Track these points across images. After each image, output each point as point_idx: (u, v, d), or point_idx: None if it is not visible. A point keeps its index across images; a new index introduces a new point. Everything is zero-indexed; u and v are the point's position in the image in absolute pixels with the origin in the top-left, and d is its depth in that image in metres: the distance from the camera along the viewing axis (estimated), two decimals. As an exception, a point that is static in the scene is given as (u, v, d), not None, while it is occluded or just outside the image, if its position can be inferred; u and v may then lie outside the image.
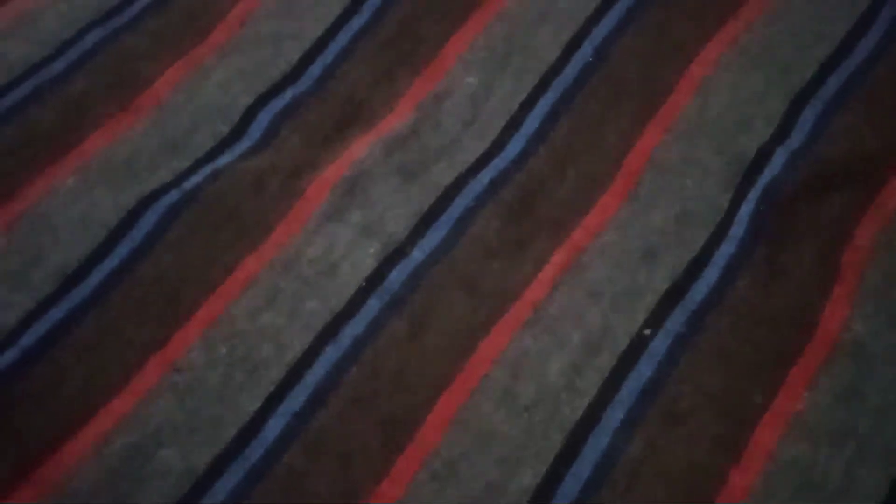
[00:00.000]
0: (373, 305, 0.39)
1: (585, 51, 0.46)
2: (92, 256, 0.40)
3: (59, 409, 0.36)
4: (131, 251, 0.40)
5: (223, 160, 0.43)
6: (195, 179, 0.42)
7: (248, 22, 0.47)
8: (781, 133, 0.43)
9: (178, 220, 0.41)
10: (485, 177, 0.42)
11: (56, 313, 0.39)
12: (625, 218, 0.41)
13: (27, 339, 0.38)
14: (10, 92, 0.45)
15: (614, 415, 0.36)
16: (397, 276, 0.39)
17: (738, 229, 0.40)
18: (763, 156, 0.42)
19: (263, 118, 0.44)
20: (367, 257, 0.40)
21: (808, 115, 0.44)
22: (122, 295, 0.39)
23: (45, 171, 0.43)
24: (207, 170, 0.42)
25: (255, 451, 0.36)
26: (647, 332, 0.38)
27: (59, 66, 0.46)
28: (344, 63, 0.46)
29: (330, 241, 0.40)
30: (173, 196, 0.41)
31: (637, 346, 0.38)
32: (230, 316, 0.39)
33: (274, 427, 0.36)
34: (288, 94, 0.45)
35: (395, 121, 0.44)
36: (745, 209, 0.41)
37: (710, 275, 0.39)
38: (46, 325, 0.38)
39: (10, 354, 0.37)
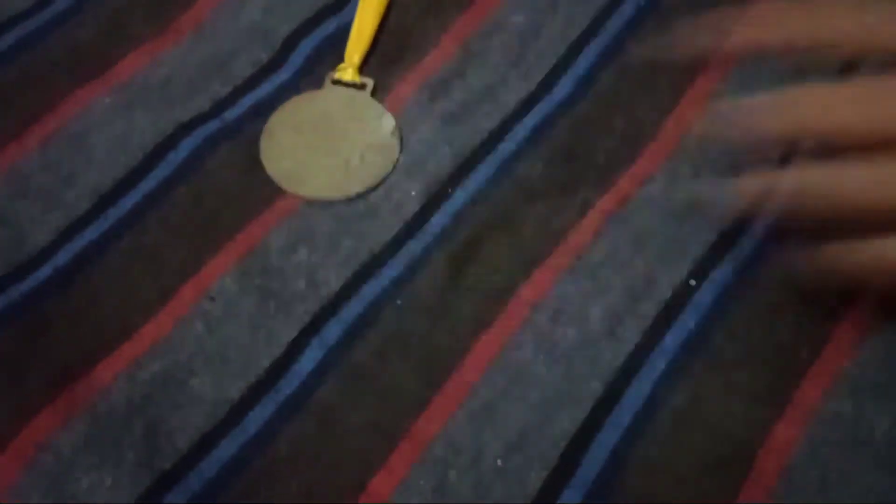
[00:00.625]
0: (413, 246, 0.38)
1: (639, -3, 0.45)
2: (128, 178, 0.39)
3: (91, 330, 0.36)
4: (168, 176, 0.39)
5: (263, 90, 0.42)
6: (235, 111, 0.41)
7: (293, -52, 0.46)
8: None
9: (217, 151, 0.40)
10: (530, 120, 0.41)
11: (90, 233, 0.38)
12: (673, 168, 0.40)
13: (61, 258, 0.37)
14: (49, 5, 0.44)
15: (656, 364, 0.35)
16: (439, 218, 0.39)
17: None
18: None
19: (305, 47, 0.43)
20: (409, 199, 0.39)
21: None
22: (158, 218, 0.39)
23: (83, 87, 0.42)
24: (248, 101, 0.41)
25: (289, 383, 0.35)
26: (693, 282, 0.37)
27: (98, -19, 0.45)
28: (389, -6, 0.45)
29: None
30: (213, 126, 0.40)
31: (682, 296, 0.37)
32: (265, 247, 0.38)
33: (309, 360, 0.36)
34: (332, 24, 0.44)
35: (440, 58, 0.43)
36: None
37: (760, 228, 0.39)
38: (80, 245, 0.38)
39: (44, 272, 0.37)
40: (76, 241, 0.38)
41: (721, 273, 0.37)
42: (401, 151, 0.41)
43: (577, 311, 0.37)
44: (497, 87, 0.42)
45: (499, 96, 0.42)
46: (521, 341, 0.36)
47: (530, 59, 0.43)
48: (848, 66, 0.38)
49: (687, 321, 0.36)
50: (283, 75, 0.43)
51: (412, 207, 0.39)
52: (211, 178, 0.40)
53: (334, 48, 0.43)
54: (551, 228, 0.39)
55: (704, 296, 0.37)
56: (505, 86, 0.42)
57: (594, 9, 0.44)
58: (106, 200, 0.39)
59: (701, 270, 0.37)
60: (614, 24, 0.44)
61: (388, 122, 0.41)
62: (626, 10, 0.44)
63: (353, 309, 0.37)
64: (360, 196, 0.40)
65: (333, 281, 0.37)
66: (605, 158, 0.40)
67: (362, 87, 0.42)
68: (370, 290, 0.37)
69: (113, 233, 0.38)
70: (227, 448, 0.34)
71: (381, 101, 0.42)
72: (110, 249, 0.38)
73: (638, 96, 0.42)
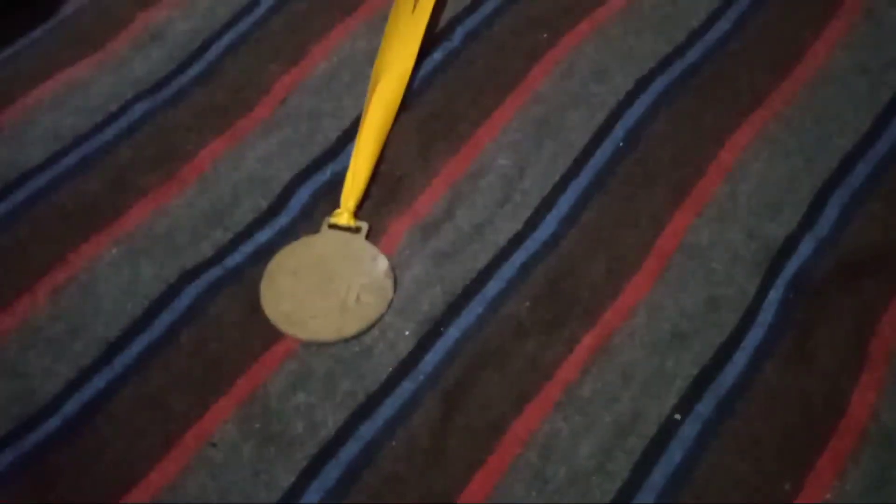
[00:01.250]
0: (407, 386, 0.39)
1: (617, 135, 0.47)
2: (133, 327, 0.41)
3: (98, 478, 0.37)
4: (172, 323, 0.41)
5: (263, 235, 0.44)
6: (237, 258, 0.43)
7: (290, 98, 0.49)
8: (809, 220, 0.44)
9: (218, 297, 0.42)
10: (517, 258, 0.43)
11: (98, 382, 0.40)
12: (655, 301, 0.42)
13: (69, 409, 0.39)
14: (58, 161, 0.46)
15: (644, 499, 0.36)
16: (432, 356, 0.40)
17: (766, 315, 0.41)
18: (791, 243, 0.43)
19: (303, 194, 0.46)
20: (402, 338, 0.41)
21: (835, 203, 0.45)
22: (162, 365, 0.40)
23: (90, 239, 0.44)
24: (249, 247, 0.43)
25: (289, 527, 0.36)
26: (678, 416, 0.39)
27: (106, 136, 0.47)
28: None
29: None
30: (215, 273, 0.43)
31: (667, 431, 0.38)
32: (265, 391, 0.40)
33: None
34: (328, 171, 0.46)
35: (431, 200, 0.45)
36: (774, 295, 0.42)
37: (739, 360, 0.40)
38: (88, 394, 0.39)
39: (53, 422, 0.38)
40: (84, 390, 0.39)
41: (703, 406, 0.39)
42: (395, 291, 0.43)
43: (567, 448, 0.38)
44: (485, 227, 0.45)
45: (487, 235, 0.44)
46: (513, 480, 0.37)
47: (516, 199, 0.45)
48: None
49: (673, 455, 0.38)
50: (281, 221, 0.45)
51: (406, 346, 0.41)
52: (213, 324, 0.41)
53: (330, 194, 0.46)
54: (540, 364, 0.40)
55: (689, 430, 0.38)
56: (492, 225, 0.45)
57: (576, 150, 0.47)
58: (113, 349, 0.40)
59: (684, 404, 0.39)
60: (596, 162, 0.46)
61: (383, 263, 0.43)
62: (607, 148, 0.47)
63: (350, 451, 0.38)
64: (357, 336, 0.41)
65: (331, 423, 0.39)
66: (590, 293, 0.42)
67: (357, 230, 0.44)
68: (366, 430, 0.39)
69: (119, 381, 0.40)
70: None
71: (375, 243, 0.44)
72: (117, 398, 0.39)
73: (620, 231, 0.44)
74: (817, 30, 0.51)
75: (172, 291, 0.42)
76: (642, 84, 0.49)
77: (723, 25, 0.52)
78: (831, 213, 0.44)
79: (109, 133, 0.47)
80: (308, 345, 0.41)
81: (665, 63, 0.50)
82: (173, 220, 0.45)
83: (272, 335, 0.41)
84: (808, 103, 0.48)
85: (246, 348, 0.41)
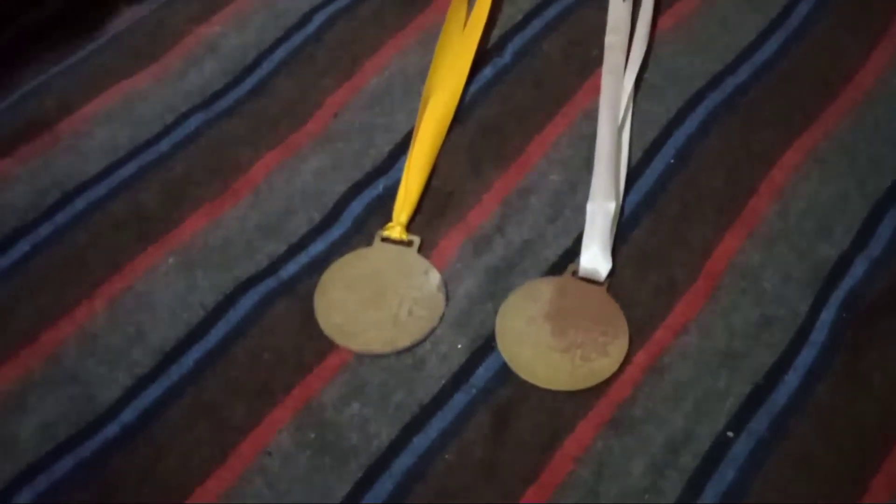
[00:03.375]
0: (459, 399, 0.40)
1: (667, 153, 0.47)
2: (189, 336, 0.42)
3: (156, 486, 0.38)
4: (227, 333, 0.42)
5: (316, 248, 0.45)
6: (291, 269, 0.44)
7: (342, 112, 0.50)
8: (861, 241, 0.44)
9: (273, 308, 0.42)
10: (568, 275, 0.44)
11: (154, 390, 0.40)
12: (706, 320, 0.42)
13: (127, 415, 0.39)
14: (116, 171, 0.47)
15: (698, 518, 0.36)
16: (484, 371, 0.41)
17: (818, 335, 0.41)
18: (843, 263, 0.43)
19: (355, 207, 0.46)
20: (455, 351, 0.41)
21: (888, 224, 0.44)
22: (218, 375, 0.41)
23: (147, 249, 0.44)
24: (303, 259, 0.44)
25: (343, 538, 0.36)
26: (730, 434, 0.39)
27: (162, 147, 0.48)
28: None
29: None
30: (270, 284, 0.43)
31: (720, 449, 0.38)
32: (319, 401, 0.40)
33: (362, 515, 0.37)
34: (380, 185, 0.47)
35: (482, 215, 0.46)
36: (826, 316, 0.42)
37: (792, 380, 0.40)
38: (145, 402, 0.40)
39: (112, 429, 0.39)
40: (141, 398, 0.40)
41: (756, 424, 0.39)
42: (447, 305, 0.43)
43: (619, 465, 0.38)
44: (536, 242, 0.45)
45: (538, 251, 0.45)
46: (566, 496, 0.37)
47: (567, 216, 0.46)
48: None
49: (726, 473, 0.38)
50: (334, 234, 0.45)
51: (458, 359, 0.41)
52: (267, 335, 0.42)
53: (382, 208, 0.46)
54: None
55: (741, 448, 0.38)
56: (543, 241, 0.45)
57: (626, 166, 0.47)
58: (169, 358, 0.41)
59: (737, 422, 0.39)
60: (646, 180, 0.47)
61: (434, 277, 0.44)
62: (657, 166, 0.47)
63: (403, 462, 0.38)
64: (409, 349, 0.42)
65: (385, 434, 0.39)
66: (641, 312, 0.42)
67: (409, 244, 0.45)
68: (419, 443, 0.39)
69: (176, 390, 0.40)
70: None
71: (427, 256, 0.44)
72: (173, 406, 0.40)
73: (670, 250, 0.44)
74: (867, 50, 0.51)
75: (227, 302, 0.43)
76: (693, 102, 0.49)
77: (772, 45, 0.52)
78: (884, 233, 0.44)
79: (165, 145, 0.48)
80: (361, 356, 0.41)
81: (715, 82, 0.50)
82: (228, 232, 0.45)
83: (326, 346, 0.42)
84: (858, 124, 0.48)
85: (300, 359, 0.41)
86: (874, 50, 0.51)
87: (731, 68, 0.51)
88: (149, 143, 0.48)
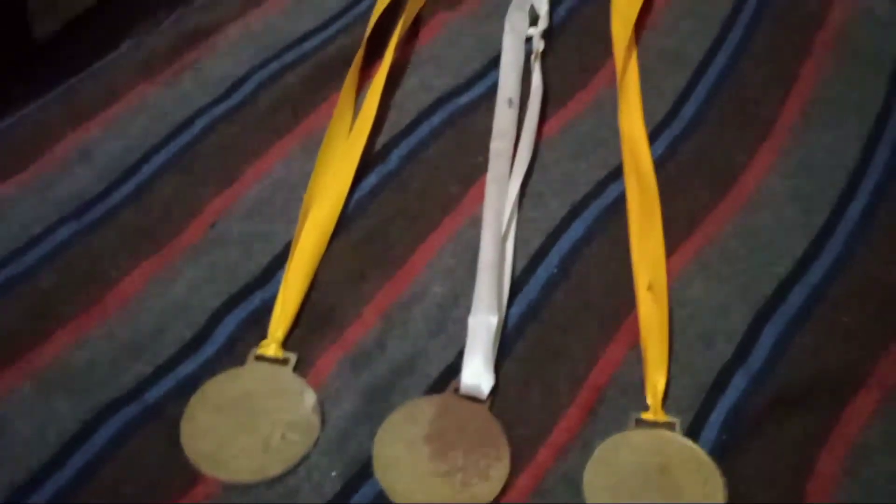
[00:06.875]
0: None
1: (551, 262, 0.47)
2: (44, 468, 0.39)
3: None
4: (85, 465, 0.39)
5: (186, 368, 0.42)
6: (157, 392, 0.41)
7: (221, 221, 0.48)
8: (742, 353, 0.44)
9: (136, 435, 0.40)
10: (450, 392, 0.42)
11: (4, 530, 0.38)
12: (587, 437, 0.41)
13: (-35, 565, 0.36)
14: (-26, 290, 0.45)
15: None
16: (359, 500, 0.39)
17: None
18: (725, 375, 0.43)
19: (230, 323, 0.44)
20: (329, 479, 0.39)
21: (769, 334, 0.44)
22: (74, 511, 0.38)
23: (4, 374, 0.42)
24: (170, 381, 0.42)
25: None
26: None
27: (28, 260, 0.46)
28: (313, 267, 0.47)
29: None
30: (134, 409, 0.41)
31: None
32: (183, 535, 0.38)
33: None
34: (256, 298, 0.45)
35: (362, 331, 0.44)
36: (707, 435, 0.41)
37: None
38: (-9, 545, 0.37)
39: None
40: (-15, 542, 0.37)
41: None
42: (322, 429, 0.41)
43: None
44: (418, 359, 0.43)
45: (419, 368, 0.43)
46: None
47: (449, 329, 0.44)
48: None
49: None
50: (206, 352, 0.43)
51: (332, 489, 0.39)
52: (129, 464, 0.40)
53: (258, 323, 0.44)
54: (471, 508, 0.39)
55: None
56: (425, 357, 0.44)
57: (510, 277, 0.46)
58: (21, 493, 0.38)
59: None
60: (530, 290, 0.46)
61: (310, 398, 0.42)
62: (541, 276, 0.46)
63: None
64: (280, 477, 0.40)
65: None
66: (525, 429, 0.41)
67: (285, 362, 0.43)
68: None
69: (25, 530, 0.38)
70: None
71: (303, 375, 0.43)
72: (23, 549, 0.37)
73: (553, 363, 0.43)
74: (750, 152, 0.52)
75: (88, 429, 0.40)
76: (577, 209, 0.49)
77: (658, 148, 0.52)
78: (765, 344, 0.44)
79: (31, 258, 0.46)
80: (229, 487, 0.39)
81: (600, 188, 0.50)
82: (93, 352, 0.43)
83: (192, 476, 0.39)
84: (742, 229, 0.48)
85: (163, 491, 0.39)
86: (757, 152, 0.52)
87: (616, 173, 0.50)
88: (14, 255, 0.46)
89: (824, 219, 0.49)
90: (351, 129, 0.51)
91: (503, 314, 0.44)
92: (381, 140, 0.52)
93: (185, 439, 0.40)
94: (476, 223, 0.48)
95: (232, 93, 0.54)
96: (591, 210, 0.49)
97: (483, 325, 0.43)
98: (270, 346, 0.43)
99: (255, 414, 0.41)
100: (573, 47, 0.57)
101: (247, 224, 0.48)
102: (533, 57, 0.55)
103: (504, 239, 0.47)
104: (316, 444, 0.41)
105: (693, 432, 0.41)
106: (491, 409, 0.42)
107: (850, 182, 0.50)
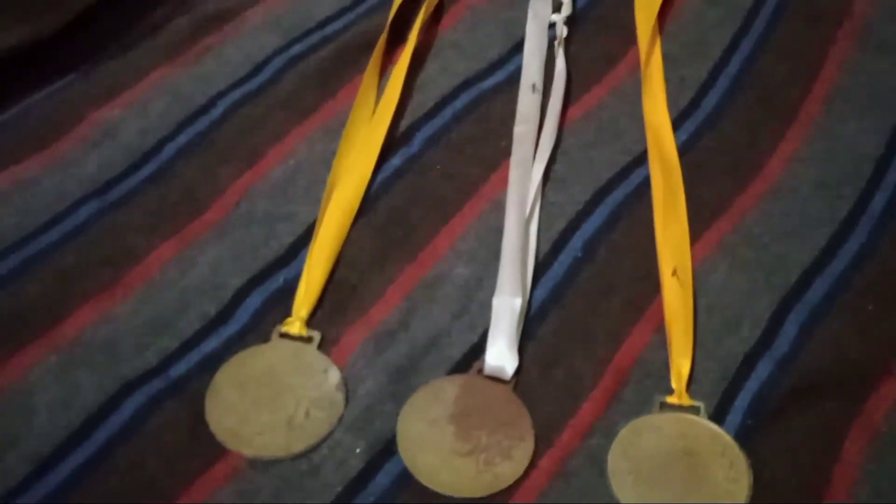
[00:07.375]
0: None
1: (574, 246, 0.47)
2: (68, 442, 0.39)
3: None
4: (109, 438, 0.39)
5: (210, 345, 0.42)
6: (181, 368, 0.41)
7: (243, 201, 0.48)
8: (767, 339, 0.43)
9: (161, 410, 0.40)
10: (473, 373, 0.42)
11: (27, 501, 0.37)
12: (611, 420, 0.41)
13: (-6, 532, 0.36)
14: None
15: None
16: (382, 478, 0.39)
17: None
18: (749, 362, 0.43)
19: (253, 301, 0.44)
20: (352, 456, 0.39)
21: (794, 322, 0.44)
22: (97, 485, 0.38)
23: (27, 347, 0.42)
24: (195, 357, 0.42)
25: None
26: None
27: (51, 237, 0.46)
28: (336, 247, 0.47)
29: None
30: (157, 384, 0.41)
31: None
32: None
33: None
34: (280, 278, 0.45)
35: (385, 309, 0.44)
36: (732, 419, 0.41)
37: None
38: (15, 516, 0.37)
39: (-25, 548, 0.36)
40: (11, 511, 0.37)
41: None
42: (346, 406, 0.41)
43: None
44: (441, 339, 0.43)
45: (443, 349, 0.43)
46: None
47: (473, 311, 0.44)
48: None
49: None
50: (230, 329, 0.43)
51: (356, 466, 0.39)
52: (153, 440, 0.39)
53: (282, 301, 0.44)
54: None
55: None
56: (449, 338, 0.43)
57: (534, 260, 0.46)
58: (44, 467, 0.38)
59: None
60: (554, 274, 0.46)
61: (334, 375, 0.42)
62: (565, 259, 0.46)
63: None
64: (305, 454, 0.40)
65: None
66: (549, 411, 0.41)
67: (309, 340, 0.43)
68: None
69: (51, 500, 0.37)
70: None
71: (327, 353, 0.43)
72: (47, 519, 0.37)
73: (576, 346, 0.43)
74: (774, 143, 0.52)
75: (112, 404, 0.40)
76: (601, 194, 0.49)
77: (681, 136, 0.52)
78: (789, 331, 0.44)
79: (55, 234, 0.46)
80: (254, 462, 0.39)
81: (624, 173, 0.50)
82: (116, 328, 0.43)
83: (216, 452, 0.39)
84: (765, 217, 0.48)
85: (187, 466, 0.39)
86: (781, 142, 0.52)
87: (639, 160, 0.50)
88: (38, 233, 0.46)
89: (848, 208, 0.49)
90: (374, 111, 0.51)
91: (527, 296, 0.44)
92: (405, 123, 0.52)
93: (209, 415, 0.40)
94: (499, 207, 0.48)
95: (254, 75, 0.54)
96: (615, 195, 0.49)
97: (507, 307, 0.43)
98: (295, 324, 0.43)
99: (280, 390, 0.41)
100: (596, 34, 0.57)
101: (270, 204, 0.48)
102: (557, 43, 0.55)
103: (528, 223, 0.47)
104: (340, 421, 0.40)
105: (717, 417, 0.41)
106: (514, 390, 0.42)
107: (874, 172, 0.50)
